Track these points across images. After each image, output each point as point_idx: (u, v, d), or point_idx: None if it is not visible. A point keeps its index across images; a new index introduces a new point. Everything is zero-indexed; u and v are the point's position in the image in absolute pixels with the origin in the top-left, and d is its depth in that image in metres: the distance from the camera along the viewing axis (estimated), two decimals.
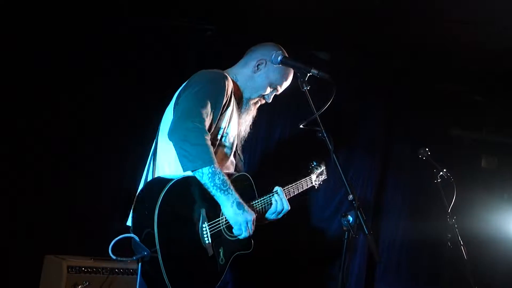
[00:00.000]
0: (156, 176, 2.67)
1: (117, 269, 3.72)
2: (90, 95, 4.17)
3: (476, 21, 4.07)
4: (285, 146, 4.87)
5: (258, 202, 2.80)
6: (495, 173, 5.60)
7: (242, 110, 2.92)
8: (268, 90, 2.91)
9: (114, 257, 2.29)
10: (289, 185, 3.03)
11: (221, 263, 2.57)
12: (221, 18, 4.45)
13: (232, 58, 2.99)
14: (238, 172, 2.92)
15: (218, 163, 2.59)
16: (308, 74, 2.53)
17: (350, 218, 2.24)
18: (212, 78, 2.70)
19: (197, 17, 4.45)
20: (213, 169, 2.46)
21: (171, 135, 2.51)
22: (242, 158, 3.03)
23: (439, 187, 4.03)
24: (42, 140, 4.01)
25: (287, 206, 2.88)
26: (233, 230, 2.59)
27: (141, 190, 2.60)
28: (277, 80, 2.90)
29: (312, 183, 3.28)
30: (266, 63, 2.86)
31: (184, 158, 2.47)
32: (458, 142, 5.57)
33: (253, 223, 2.58)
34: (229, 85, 2.70)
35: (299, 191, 3.11)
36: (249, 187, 2.83)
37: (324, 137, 2.45)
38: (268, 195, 2.85)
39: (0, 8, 3.80)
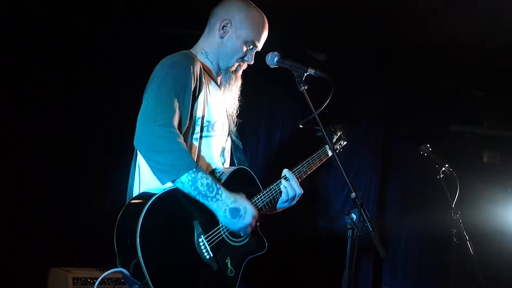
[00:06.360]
0: (140, 184, 2.42)
1: (123, 279, 3.70)
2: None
3: (475, 19, 4.07)
4: (287, 146, 4.85)
5: (263, 195, 2.51)
6: (498, 167, 5.59)
7: (224, 84, 2.55)
8: (245, 50, 2.52)
9: None
10: (299, 165, 2.69)
11: (231, 274, 2.34)
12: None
13: None
14: (238, 160, 2.65)
15: (210, 156, 2.41)
16: (305, 74, 2.40)
17: (354, 216, 2.21)
18: (172, 64, 2.36)
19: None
20: (192, 175, 2.17)
21: (138, 144, 2.21)
22: (238, 141, 2.69)
23: (442, 182, 4.02)
24: (45, 150, 3.98)
25: (299, 190, 2.57)
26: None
27: (121, 214, 2.25)
28: (251, 35, 2.50)
29: (328, 154, 2.82)
30: (231, 22, 2.49)
31: (157, 171, 2.19)
32: (459, 138, 5.56)
33: (255, 221, 2.34)
34: (196, 65, 2.37)
35: (314, 168, 2.76)
36: (250, 180, 2.57)
37: (324, 136, 2.42)
38: (274, 184, 2.55)
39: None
